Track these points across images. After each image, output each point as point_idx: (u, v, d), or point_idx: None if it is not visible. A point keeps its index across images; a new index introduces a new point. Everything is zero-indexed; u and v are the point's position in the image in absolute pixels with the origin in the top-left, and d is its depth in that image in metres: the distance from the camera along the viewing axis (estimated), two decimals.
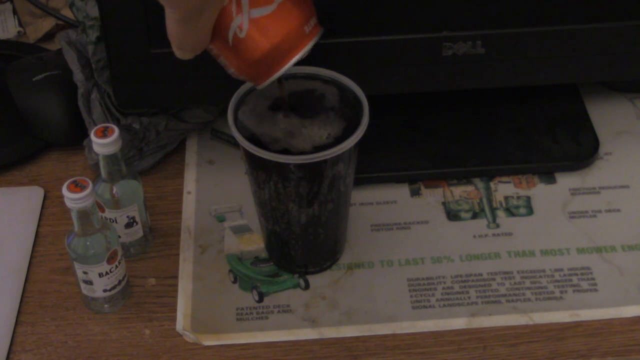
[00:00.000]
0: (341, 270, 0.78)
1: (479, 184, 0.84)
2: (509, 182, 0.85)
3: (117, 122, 0.83)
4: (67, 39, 0.85)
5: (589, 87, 0.92)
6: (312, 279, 0.77)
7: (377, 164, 0.84)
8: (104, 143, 0.71)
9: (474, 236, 0.80)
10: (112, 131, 0.71)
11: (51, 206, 0.84)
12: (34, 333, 0.74)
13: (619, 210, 0.82)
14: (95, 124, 0.82)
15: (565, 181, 0.85)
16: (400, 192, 0.84)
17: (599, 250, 0.79)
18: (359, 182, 0.81)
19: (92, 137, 0.71)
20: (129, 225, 0.77)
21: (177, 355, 0.72)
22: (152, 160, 0.86)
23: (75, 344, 0.73)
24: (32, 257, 0.79)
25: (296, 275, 0.77)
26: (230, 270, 0.78)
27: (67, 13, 0.99)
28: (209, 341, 0.73)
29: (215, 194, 0.84)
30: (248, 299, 0.76)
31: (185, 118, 0.86)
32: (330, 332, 0.73)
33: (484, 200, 0.83)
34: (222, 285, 0.77)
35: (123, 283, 0.74)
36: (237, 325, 0.74)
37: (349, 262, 0.78)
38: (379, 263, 0.78)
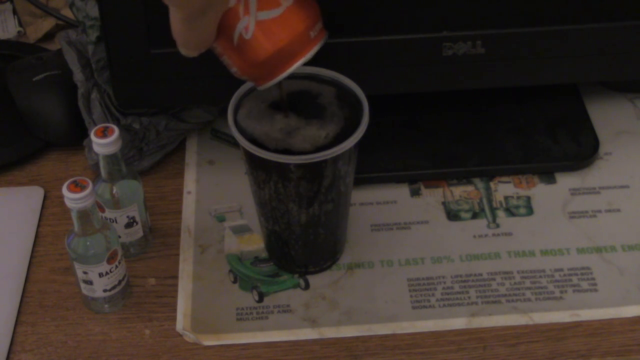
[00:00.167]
0: (341, 270, 0.78)
1: (479, 184, 0.84)
2: (509, 182, 0.85)
3: (117, 122, 0.83)
4: (67, 39, 0.85)
5: (589, 87, 0.92)
6: (312, 279, 0.77)
7: (377, 164, 0.84)
8: (104, 143, 0.71)
9: (474, 236, 0.80)
10: (112, 131, 0.71)
11: (51, 206, 0.84)
12: (34, 333, 0.74)
13: (619, 210, 0.82)
14: (95, 124, 0.83)
15: (565, 181, 0.85)
16: (400, 192, 0.84)
17: (599, 250, 0.79)
18: (359, 182, 0.81)
19: (92, 137, 0.71)
20: (129, 225, 0.77)
21: (177, 355, 0.72)
22: (152, 160, 0.86)
23: (75, 344, 0.73)
24: (32, 257, 0.79)
25: (296, 275, 0.77)
26: (230, 270, 0.78)
27: (67, 13, 0.99)
28: (209, 341, 0.73)
29: (215, 194, 0.84)
30: (248, 299, 0.76)
31: (185, 118, 0.86)
32: (330, 332, 0.73)
33: (484, 200, 0.83)
34: (222, 285, 0.77)
35: (123, 283, 0.74)
36: (237, 325, 0.74)
37: (349, 262, 0.78)
38: (379, 263, 0.78)
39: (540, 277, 0.77)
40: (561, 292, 0.76)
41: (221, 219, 0.82)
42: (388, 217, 0.82)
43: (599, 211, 0.82)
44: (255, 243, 0.80)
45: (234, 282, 0.77)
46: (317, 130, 0.68)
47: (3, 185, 0.85)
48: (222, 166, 0.87)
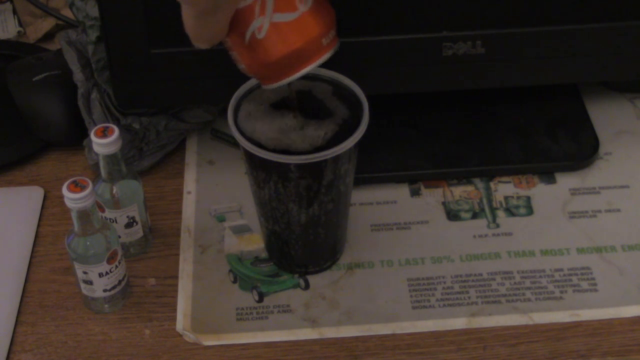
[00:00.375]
0: (341, 270, 0.78)
1: (479, 184, 0.84)
2: (509, 182, 0.85)
3: (117, 122, 0.83)
4: (67, 39, 0.85)
5: (589, 87, 0.92)
6: (312, 279, 0.77)
7: (377, 164, 0.84)
8: (104, 143, 0.71)
9: (474, 236, 0.80)
10: (112, 131, 0.71)
11: (51, 206, 0.84)
12: (34, 333, 0.74)
13: (619, 210, 0.82)
14: (95, 124, 0.82)
15: (565, 181, 0.85)
16: (400, 192, 0.84)
17: (599, 250, 0.79)
18: (359, 182, 0.81)
19: (92, 137, 0.71)
20: (129, 225, 0.77)
21: (177, 355, 0.72)
22: (152, 160, 0.86)
23: (75, 344, 0.73)
24: (32, 257, 0.79)
25: (296, 275, 0.77)
26: (230, 270, 0.78)
27: (67, 13, 0.99)
28: (209, 341, 0.73)
29: (215, 194, 0.84)
30: (248, 299, 0.76)
31: (185, 118, 0.86)
32: (330, 332, 0.73)
33: (484, 200, 0.83)
34: (222, 285, 0.77)
35: (123, 283, 0.74)
36: (237, 325, 0.74)
37: (349, 262, 0.78)
38: (379, 263, 0.78)
39: (540, 277, 0.77)
40: (561, 292, 0.76)
41: (221, 219, 0.82)
42: (388, 217, 0.82)
43: (599, 211, 0.82)
44: (255, 243, 0.80)
45: (234, 282, 0.77)
46: (317, 130, 0.68)
47: (3, 185, 0.85)
48: (222, 166, 0.87)
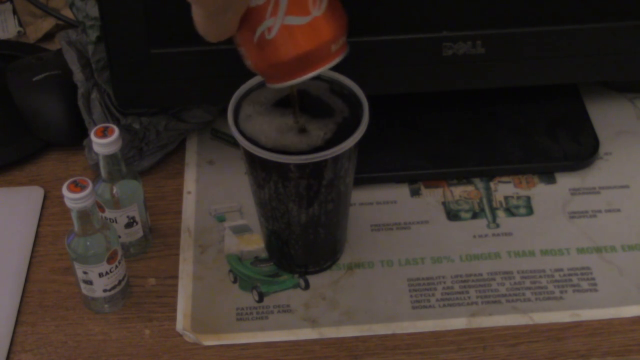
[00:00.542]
0: (341, 270, 0.78)
1: (479, 184, 0.84)
2: (509, 182, 0.85)
3: (117, 122, 0.83)
4: (67, 39, 0.85)
5: (589, 87, 0.92)
6: (312, 279, 0.77)
7: (377, 164, 0.84)
8: (104, 143, 0.71)
9: (474, 236, 0.80)
10: (112, 131, 0.71)
11: (51, 206, 0.84)
12: (34, 333, 0.74)
13: (619, 210, 0.82)
14: (95, 124, 0.83)
15: (565, 181, 0.85)
16: (400, 192, 0.84)
17: (599, 250, 0.79)
18: (359, 182, 0.81)
19: (92, 137, 0.71)
20: (129, 225, 0.77)
21: (177, 355, 0.72)
22: (152, 160, 0.86)
23: (75, 344, 0.73)
24: (32, 257, 0.79)
25: (296, 275, 0.77)
26: (230, 270, 0.78)
27: (67, 13, 0.99)
28: (209, 341, 0.73)
29: (215, 194, 0.84)
30: (248, 299, 0.76)
31: (185, 118, 0.86)
32: (330, 332, 0.73)
33: (484, 200, 0.83)
34: (222, 285, 0.77)
35: (123, 283, 0.74)
36: (237, 325, 0.74)
37: (349, 262, 0.78)
38: (379, 263, 0.78)
39: (540, 277, 0.77)
40: (561, 292, 0.76)
41: (221, 219, 0.82)
42: (388, 217, 0.82)
43: (599, 211, 0.82)
44: (255, 243, 0.80)
45: (234, 282, 0.77)
46: (317, 130, 0.68)
47: (3, 185, 0.85)
48: (222, 166, 0.87)
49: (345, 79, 0.71)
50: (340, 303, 0.75)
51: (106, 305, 0.75)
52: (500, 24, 0.77)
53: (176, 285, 0.77)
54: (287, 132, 0.68)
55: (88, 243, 0.71)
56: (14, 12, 1.03)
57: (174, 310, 0.75)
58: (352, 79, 0.71)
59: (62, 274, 0.78)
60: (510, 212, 0.82)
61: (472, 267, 0.78)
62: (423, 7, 0.76)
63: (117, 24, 0.75)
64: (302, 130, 0.68)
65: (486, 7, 0.76)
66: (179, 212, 0.83)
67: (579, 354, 0.71)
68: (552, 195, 0.83)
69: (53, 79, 0.88)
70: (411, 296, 0.76)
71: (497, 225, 0.81)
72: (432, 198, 0.83)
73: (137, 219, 0.77)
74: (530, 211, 0.82)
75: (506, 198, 0.83)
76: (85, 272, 0.72)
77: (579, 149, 0.86)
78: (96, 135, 0.71)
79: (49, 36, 1.01)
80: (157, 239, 0.81)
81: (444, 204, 0.83)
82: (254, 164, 0.70)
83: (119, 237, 0.75)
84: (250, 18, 0.59)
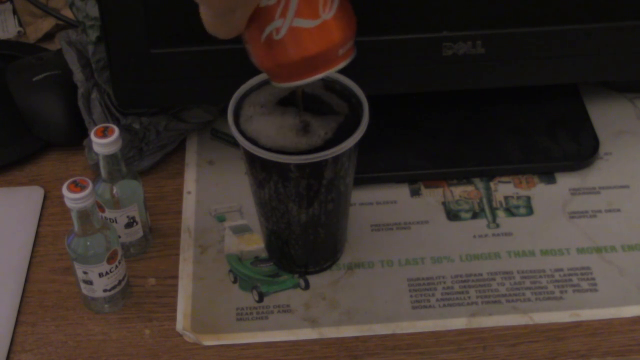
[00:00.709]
0: (341, 270, 0.78)
1: (479, 184, 0.84)
2: (509, 182, 0.85)
3: (117, 122, 0.83)
4: (67, 39, 0.85)
5: (589, 87, 0.92)
6: (312, 279, 0.77)
7: (377, 164, 0.84)
8: (104, 143, 0.71)
9: (474, 236, 0.80)
10: (112, 131, 0.71)
11: (51, 206, 0.84)
12: (34, 333, 0.74)
13: (619, 210, 0.82)
14: (95, 124, 0.83)
15: (565, 181, 0.85)
16: (400, 192, 0.84)
17: (599, 250, 0.79)
18: (359, 182, 0.81)
19: (92, 137, 0.71)
20: (129, 225, 0.77)
21: (177, 355, 0.72)
22: (152, 160, 0.86)
23: (75, 344, 0.73)
24: (32, 257, 0.79)
25: (296, 275, 0.77)
26: (230, 270, 0.78)
27: (67, 13, 0.99)
28: (209, 341, 0.73)
29: (215, 194, 0.84)
30: (248, 299, 0.76)
31: (185, 118, 0.86)
32: (330, 332, 0.73)
33: (484, 200, 0.83)
34: (222, 285, 0.77)
35: (123, 283, 0.74)
36: (237, 325, 0.74)
37: (349, 262, 0.78)
38: (379, 263, 0.78)
39: (540, 277, 0.77)
40: (561, 292, 0.76)
41: (221, 219, 0.82)
42: (388, 217, 0.82)
43: (599, 211, 0.82)
44: (255, 243, 0.80)
45: (234, 282, 0.77)
46: (317, 130, 0.68)
47: (3, 185, 0.85)
48: (222, 166, 0.87)
49: (345, 79, 0.71)
50: (340, 303, 0.75)
51: (106, 305, 0.75)
52: (500, 24, 0.77)
53: (176, 285, 0.77)
54: (287, 132, 0.68)
55: (88, 243, 0.71)
56: (14, 12, 1.03)
57: (174, 310, 0.75)
58: (352, 79, 0.71)
59: (62, 274, 0.78)
60: (510, 212, 0.82)
61: (472, 267, 0.78)
62: (423, 7, 0.76)
63: (117, 24, 0.75)
64: (303, 130, 0.68)
65: (486, 7, 0.76)
66: (179, 212, 0.83)
67: (579, 354, 0.71)
68: (552, 195, 0.83)
69: (53, 79, 0.88)
70: (411, 296, 0.76)
71: (497, 225, 0.81)
72: (432, 198, 0.83)
73: (137, 219, 0.77)
74: (530, 211, 0.82)
75: (506, 198, 0.83)
76: (85, 272, 0.72)
77: (579, 149, 0.86)
78: (96, 135, 0.71)
79: (49, 36, 1.01)
80: (157, 239, 0.81)
81: (444, 204, 0.83)
82: (254, 164, 0.70)
83: (119, 237, 0.75)
84: (259, 17, 0.59)
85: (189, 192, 0.84)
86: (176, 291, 0.76)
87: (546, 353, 0.72)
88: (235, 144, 0.87)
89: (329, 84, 0.72)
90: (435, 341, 0.73)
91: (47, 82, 0.88)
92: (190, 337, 0.73)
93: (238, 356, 0.72)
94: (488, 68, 0.79)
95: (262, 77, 0.70)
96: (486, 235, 0.80)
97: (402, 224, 0.81)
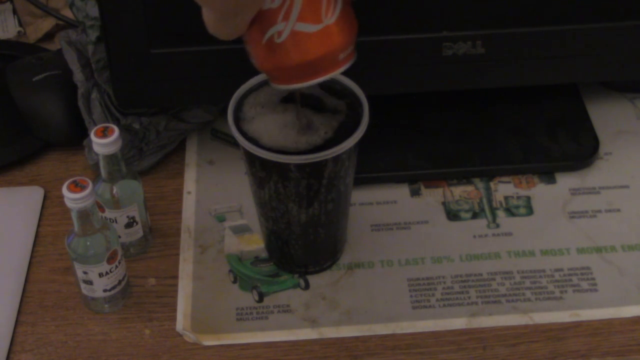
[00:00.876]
0: (341, 270, 0.78)
1: (479, 184, 0.84)
2: (509, 182, 0.85)
3: (117, 122, 0.83)
4: (67, 39, 0.85)
5: (589, 87, 0.92)
6: (312, 279, 0.77)
7: (377, 164, 0.84)
8: (104, 143, 0.71)
9: (474, 236, 0.80)
10: (112, 131, 0.71)
11: (51, 206, 0.84)
12: (34, 333, 0.74)
13: (619, 210, 0.82)
14: (95, 124, 0.83)
15: (565, 181, 0.85)
16: (400, 192, 0.84)
17: (599, 250, 0.79)
18: (359, 182, 0.81)
19: (92, 137, 0.71)
20: (129, 225, 0.77)
21: (177, 355, 0.72)
22: (152, 160, 0.86)
23: (75, 344, 0.73)
24: (32, 257, 0.79)
25: (296, 275, 0.77)
26: (230, 270, 0.78)
27: (67, 13, 0.99)
28: (209, 341, 0.73)
29: (215, 194, 0.84)
30: (248, 299, 0.76)
31: (185, 118, 0.86)
32: (330, 332, 0.73)
33: (484, 200, 0.83)
34: (222, 285, 0.77)
35: (123, 283, 0.74)
36: (237, 325, 0.74)
37: (349, 262, 0.78)
38: (379, 263, 0.78)
39: (540, 277, 0.77)
40: (561, 292, 0.76)
41: (221, 219, 0.82)
42: (388, 217, 0.82)
43: (599, 211, 0.82)
44: (255, 243, 0.80)
45: (234, 282, 0.77)
46: (317, 130, 0.68)
47: (3, 185, 0.85)
48: (222, 166, 0.87)
49: (345, 79, 0.71)
50: (340, 303, 0.75)
51: (106, 305, 0.75)
52: (500, 24, 0.77)
53: (176, 285, 0.77)
54: (287, 132, 0.68)
55: (88, 243, 0.71)
56: (14, 12, 1.03)
57: (174, 310, 0.75)
58: (352, 79, 0.71)
59: (62, 274, 0.78)
60: (510, 212, 0.82)
61: (472, 267, 0.78)
62: (423, 7, 0.76)
63: (117, 24, 0.75)
64: (303, 130, 0.68)
65: (486, 7, 0.76)
66: (179, 212, 0.83)
67: (579, 354, 0.72)
68: (552, 195, 0.83)
69: (53, 79, 0.88)
70: (411, 296, 0.76)
71: (497, 225, 0.81)
72: (432, 198, 0.83)
73: (137, 219, 0.77)
74: (530, 211, 0.82)
75: (506, 198, 0.83)
76: (85, 272, 0.72)
77: (579, 149, 0.86)
78: (96, 135, 0.71)
79: (49, 36, 1.01)
80: (157, 239, 0.81)
81: (444, 204, 0.83)
82: (254, 164, 0.70)
83: (119, 237, 0.75)
84: (261, 20, 0.59)
85: (189, 192, 0.84)
86: (176, 291, 0.76)
87: (546, 353, 0.72)
88: (235, 144, 0.87)
89: (329, 84, 0.72)
90: (435, 341, 0.73)
91: (47, 82, 0.88)
92: (190, 337, 0.73)
93: (238, 356, 0.72)
94: (488, 68, 0.79)
95: (262, 77, 0.70)
96: (486, 235, 0.80)
97: (402, 224, 0.81)
